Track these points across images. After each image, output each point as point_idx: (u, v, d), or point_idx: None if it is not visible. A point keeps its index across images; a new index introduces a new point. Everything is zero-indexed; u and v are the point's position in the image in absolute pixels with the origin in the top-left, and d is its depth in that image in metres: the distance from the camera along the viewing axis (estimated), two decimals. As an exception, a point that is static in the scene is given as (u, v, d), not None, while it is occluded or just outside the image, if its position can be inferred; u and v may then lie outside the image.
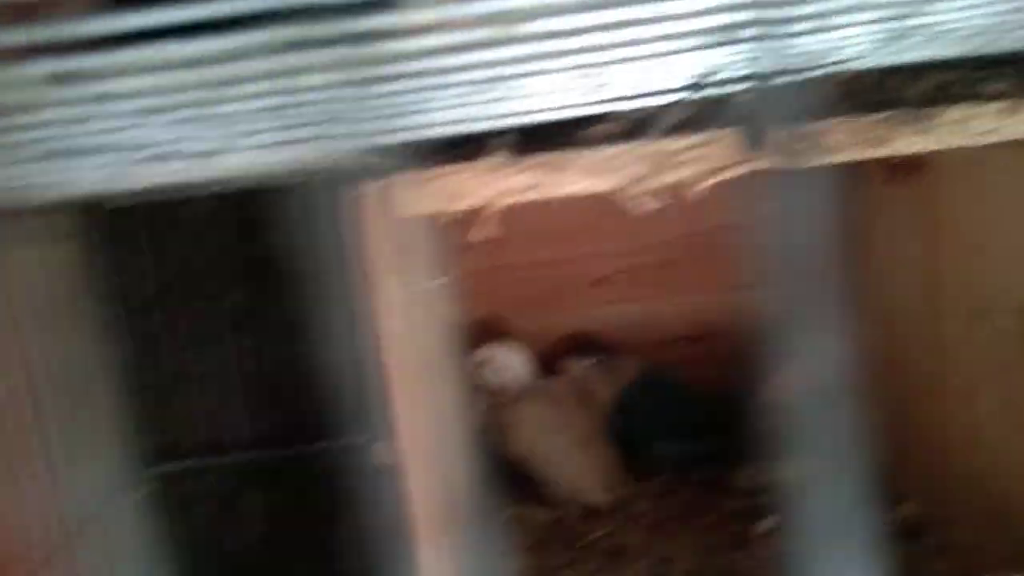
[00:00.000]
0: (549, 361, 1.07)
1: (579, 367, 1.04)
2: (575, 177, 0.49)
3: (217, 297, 1.13)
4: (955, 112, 0.50)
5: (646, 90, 0.46)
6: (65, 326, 1.01)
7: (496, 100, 0.42)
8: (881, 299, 0.83)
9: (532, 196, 0.49)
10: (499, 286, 1.10)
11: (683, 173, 0.49)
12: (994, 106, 0.50)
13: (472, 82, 0.36)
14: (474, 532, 0.84)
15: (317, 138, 0.44)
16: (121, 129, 0.34)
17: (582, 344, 1.07)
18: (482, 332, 1.07)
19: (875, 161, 0.76)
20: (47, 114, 0.29)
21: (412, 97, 0.36)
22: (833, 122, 0.50)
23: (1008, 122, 0.50)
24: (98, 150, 0.39)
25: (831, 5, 0.32)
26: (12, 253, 0.92)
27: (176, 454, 1.16)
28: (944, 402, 0.72)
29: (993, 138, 0.50)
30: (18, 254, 0.93)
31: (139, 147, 0.39)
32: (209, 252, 1.12)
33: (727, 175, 0.49)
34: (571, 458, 0.95)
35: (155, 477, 1.17)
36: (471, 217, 0.51)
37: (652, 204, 0.49)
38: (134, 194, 0.98)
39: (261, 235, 1.13)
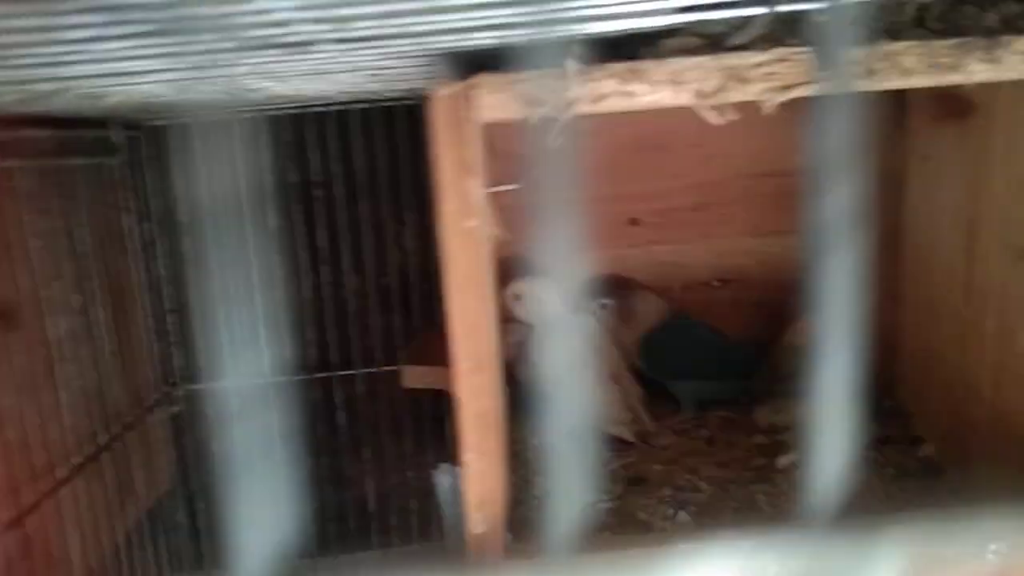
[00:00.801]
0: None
1: (609, 306, 1.06)
2: (651, 87, 0.50)
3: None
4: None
5: (727, 5, 0.47)
6: (108, 242, 1.03)
7: (574, 6, 0.43)
8: (920, 240, 0.84)
9: (608, 106, 0.50)
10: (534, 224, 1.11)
11: (756, 88, 0.50)
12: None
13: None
14: (505, 453, 0.87)
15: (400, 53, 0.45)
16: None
17: (613, 283, 1.09)
18: (515, 269, 1.08)
19: (928, 97, 0.76)
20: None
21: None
22: (904, 46, 0.51)
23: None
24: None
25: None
26: (64, 163, 0.93)
27: (209, 374, 1.18)
28: (976, 344, 0.74)
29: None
30: (70, 164, 0.94)
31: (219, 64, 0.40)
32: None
33: (798, 93, 0.50)
34: (598, 392, 0.97)
35: (191, 394, 1.19)
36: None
37: (728, 117, 0.50)
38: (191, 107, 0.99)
39: (300, 162, 1.14)
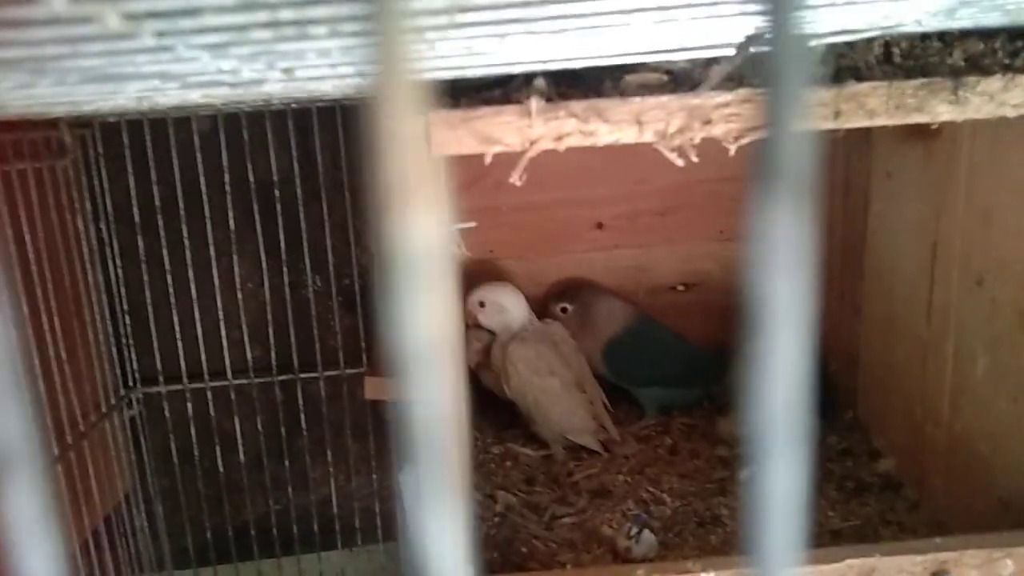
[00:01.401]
0: (544, 305, 1.07)
1: (573, 312, 1.05)
2: (612, 126, 0.49)
3: (211, 220, 1.12)
4: (991, 84, 0.50)
5: (691, 45, 0.46)
6: (59, 244, 1.00)
7: (537, 43, 0.41)
8: (882, 256, 0.84)
9: (568, 143, 0.49)
10: (496, 229, 1.09)
11: (720, 129, 0.49)
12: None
13: (513, 21, 0.36)
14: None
15: (365, 73, 0.43)
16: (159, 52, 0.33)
17: (576, 288, 1.08)
18: (478, 274, 1.07)
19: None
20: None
21: (452, 34, 0.36)
22: (869, 86, 0.50)
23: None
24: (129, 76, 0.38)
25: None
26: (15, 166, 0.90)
27: (166, 376, 1.16)
28: (936, 365, 0.75)
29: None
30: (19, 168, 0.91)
31: (176, 74, 0.38)
32: (205, 173, 1.10)
33: (761, 134, 0.49)
34: (562, 400, 0.96)
35: (149, 397, 1.17)
36: (502, 160, 0.51)
37: (691, 158, 0.49)
38: (138, 112, 0.96)
39: (258, 159, 1.11)
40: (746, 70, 0.50)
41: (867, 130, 0.84)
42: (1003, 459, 0.66)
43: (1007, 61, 0.53)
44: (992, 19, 0.46)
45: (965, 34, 0.53)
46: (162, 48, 0.29)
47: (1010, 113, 0.52)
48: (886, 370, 0.85)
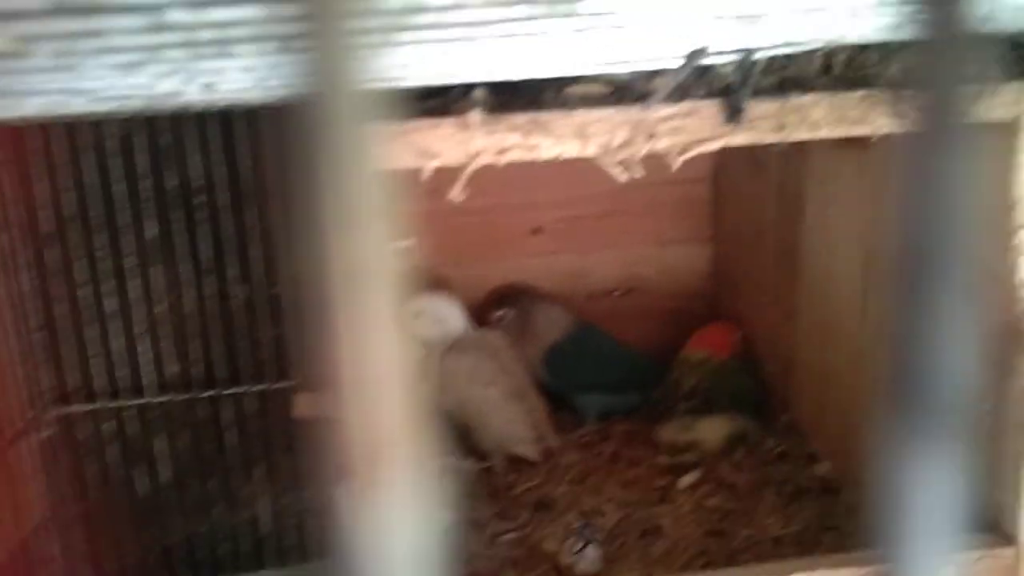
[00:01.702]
0: (482, 312, 1.05)
1: (511, 318, 1.03)
2: (555, 140, 0.47)
3: (129, 230, 1.06)
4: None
5: (638, 57, 0.44)
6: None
7: (478, 54, 0.39)
8: (816, 261, 0.85)
9: (510, 158, 0.47)
10: (431, 235, 1.07)
11: (664, 143, 0.48)
12: (967, 90, 0.51)
13: (453, 36, 0.34)
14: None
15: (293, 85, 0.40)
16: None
17: (515, 295, 1.06)
18: (413, 282, 1.04)
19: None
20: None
21: (398, 53, 0.33)
22: (813, 99, 0.49)
23: (980, 107, 0.51)
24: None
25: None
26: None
27: (81, 395, 1.10)
28: (872, 371, 0.75)
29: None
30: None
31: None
32: (121, 179, 1.04)
33: (706, 147, 0.48)
34: (501, 409, 0.95)
35: (63, 418, 1.10)
36: (441, 175, 0.49)
37: (636, 173, 0.47)
38: (51, 117, 0.89)
39: (179, 165, 1.06)
40: (688, 82, 0.49)
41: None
42: (939, 464, 0.67)
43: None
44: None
45: (902, 46, 0.53)
46: (63, 68, 0.26)
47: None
48: (822, 374, 0.86)
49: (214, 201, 1.07)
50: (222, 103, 0.53)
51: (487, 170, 1.03)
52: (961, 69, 0.17)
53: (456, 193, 0.46)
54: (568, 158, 1.03)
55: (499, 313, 1.04)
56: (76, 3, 0.17)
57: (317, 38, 0.15)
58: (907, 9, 0.29)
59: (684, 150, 0.48)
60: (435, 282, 1.07)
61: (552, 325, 1.04)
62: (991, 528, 0.60)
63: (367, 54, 0.32)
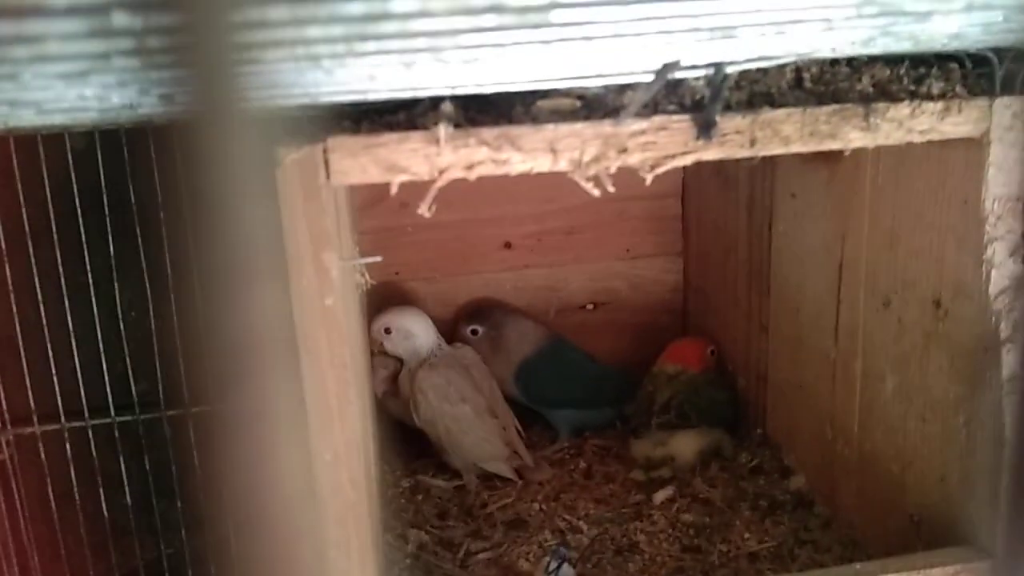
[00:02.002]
0: (453, 327, 1.04)
1: (483, 334, 1.02)
2: (525, 155, 0.46)
3: (82, 248, 1.03)
4: (900, 110, 0.50)
5: (608, 71, 0.43)
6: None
7: (447, 66, 0.38)
8: (787, 275, 0.85)
9: (480, 172, 0.46)
10: (401, 249, 1.05)
11: (635, 157, 0.47)
12: (935, 105, 0.51)
13: (418, 46, 0.33)
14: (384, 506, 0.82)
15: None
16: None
17: (488, 310, 1.05)
18: (383, 297, 1.03)
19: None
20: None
21: (356, 57, 0.32)
22: (784, 113, 0.49)
23: (947, 122, 0.51)
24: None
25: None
26: None
27: (40, 415, 1.06)
28: (845, 384, 0.75)
29: (933, 136, 0.51)
30: None
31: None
32: (81, 193, 1.02)
33: (678, 162, 0.48)
34: (474, 426, 0.93)
35: (24, 438, 1.07)
36: (410, 190, 0.48)
37: (607, 188, 0.46)
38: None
39: (140, 177, 1.04)
40: (659, 96, 0.48)
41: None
42: (913, 478, 0.66)
43: (912, 87, 0.53)
44: (902, 47, 0.46)
45: (872, 60, 0.53)
46: (4, 77, 0.24)
47: (917, 139, 0.52)
48: (795, 388, 0.85)
49: (178, 215, 1.04)
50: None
51: (457, 185, 1.02)
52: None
53: (424, 209, 0.45)
54: (538, 173, 1.03)
55: (471, 328, 1.02)
56: (5, 4, 0.16)
57: (200, 53, 0.14)
58: (879, 23, 0.28)
59: (656, 165, 0.47)
60: (405, 297, 1.06)
61: (524, 341, 1.03)
62: (967, 542, 0.60)
63: (258, 71, 0.30)
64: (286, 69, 0.27)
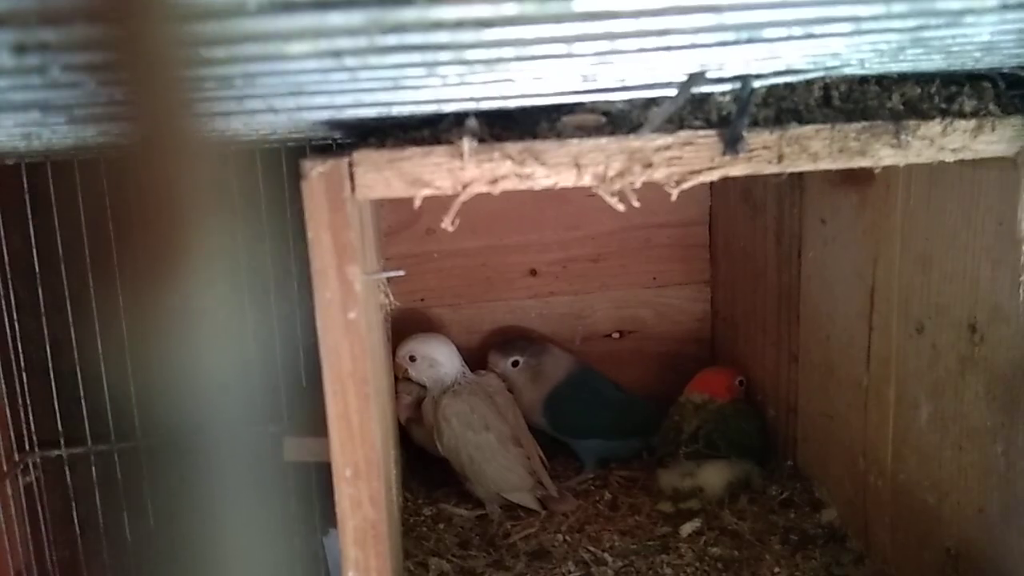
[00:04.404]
0: (477, 355, 1.03)
1: (495, 364, 1.01)
2: (550, 169, 0.46)
3: (112, 271, 1.04)
4: (931, 128, 0.49)
5: (632, 84, 0.43)
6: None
7: (470, 75, 0.38)
8: (817, 302, 0.83)
9: (504, 187, 0.46)
10: (426, 275, 1.06)
11: (661, 172, 0.47)
12: (967, 123, 0.50)
13: (440, 40, 0.33)
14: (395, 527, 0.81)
15: (276, 108, 0.39)
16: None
17: (502, 340, 1.04)
18: (408, 323, 1.03)
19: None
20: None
21: (383, 72, 0.32)
22: (813, 129, 0.48)
23: (980, 140, 0.50)
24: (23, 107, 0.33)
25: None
26: None
27: (67, 438, 1.07)
28: (878, 413, 0.73)
29: (965, 155, 0.50)
30: None
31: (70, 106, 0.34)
32: (114, 219, 1.03)
33: (704, 178, 0.47)
34: (497, 455, 0.92)
35: (49, 462, 1.07)
36: (433, 206, 0.48)
37: (631, 201, 0.46)
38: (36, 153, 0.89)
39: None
40: (685, 111, 0.48)
41: (798, 176, 0.84)
42: (950, 509, 0.64)
43: (943, 105, 0.52)
44: (934, 62, 0.45)
45: (903, 78, 0.53)
46: (28, 69, 0.24)
47: (949, 158, 0.51)
48: (826, 418, 0.83)
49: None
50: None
51: (483, 211, 1.03)
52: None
53: (447, 223, 0.45)
54: (563, 200, 1.03)
55: (512, 360, 1.01)
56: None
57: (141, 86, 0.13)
58: (908, 24, 0.27)
59: (681, 180, 0.47)
60: (430, 324, 1.06)
61: (557, 371, 1.02)
62: (1006, 572, 0.57)
63: (350, 71, 0.30)
64: (310, 67, 0.27)
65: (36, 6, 0.18)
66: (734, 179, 0.97)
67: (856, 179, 0.73)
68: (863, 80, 0.53)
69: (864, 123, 0.49)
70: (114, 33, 0.13)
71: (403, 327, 1.00)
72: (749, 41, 0.30)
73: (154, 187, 0.14)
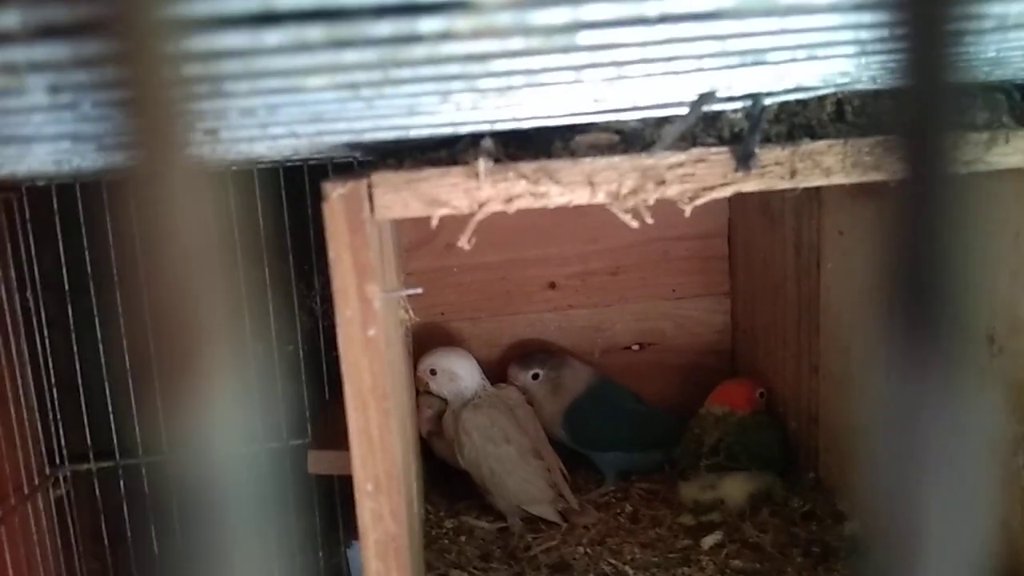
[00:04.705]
0: (497, 368, 1.04)
1: (516, 377, 1.01)
2: (564, 188, 0.47)
3: (136, 289, 1.06)
4: (944, 141, 0.49)
5: (643, 104, 0.44)
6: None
7: (483, 101, 0.39)
8: (837, 313, 0.83)
9: (519, 205, 0.47)
10: (446, 290, 1.07)
11: (674, 189, 0.47)
12: (980, 135, 0.50)
13: (451, 72, 0.34)
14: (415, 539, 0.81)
15: (297, 134, 0.41)
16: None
17: (523, 354, 1.05)
18: (429, 337, 1.04)
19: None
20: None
21: (398, 101, 0.33)
22: (826, 144, 0.49)
23: (994, 152, 0.50)
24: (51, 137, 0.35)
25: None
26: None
27: (96, 452, 1.09)
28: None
29: (979, 167, 0.50)
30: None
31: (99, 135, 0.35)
32: (131, 237, 1.05)
33: (717, 194, 0.48)
34: (518, 467, 0.93)
35: (79, 475, 1.09)
36: (452, 220, 0.49)
37: (645, 218, 0.47)
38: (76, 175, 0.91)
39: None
40: (698, 128, 0.48)
41: (816, 188, 0.84)
42: (972, 522, 0.64)
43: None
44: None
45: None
46: (61, 106, 0.26)
47: (961, 170, 0.51)
48: (848, 430, 0.83)
49: (232, 258, 1.07)
50: (233, 156, 0.54)
51: (501, 226, 1.03)
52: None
53: (464, 241, 0.46)
54: (582, 214, 1.04)
55: (532, 373, 1.01)
56: None
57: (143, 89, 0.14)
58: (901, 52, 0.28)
59: (694, 197, 0.48)
60: (450, 338, 1.07)
61: (577, 383, 1.02)
62: (1029, 589, 0.57)
63: (366, 101, 0.31)
64: (328, 98, 0.28)
65: (70, 55, 0.19)
66: (751, 192, 0.99)
67: (872, 190, 0.73)
68: (877, 94, 0.53)
69: (878, 137, 0.49)
70: (129, 72, 0.14)
71: (424, 341, 1.01)
72: (755, 64, 0.31)
73: (155, 218, 0.15)
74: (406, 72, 0.24)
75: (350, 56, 0.21)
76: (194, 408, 0.16)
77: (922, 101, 0.16)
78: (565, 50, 0.24)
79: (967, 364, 0.15)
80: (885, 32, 0.29)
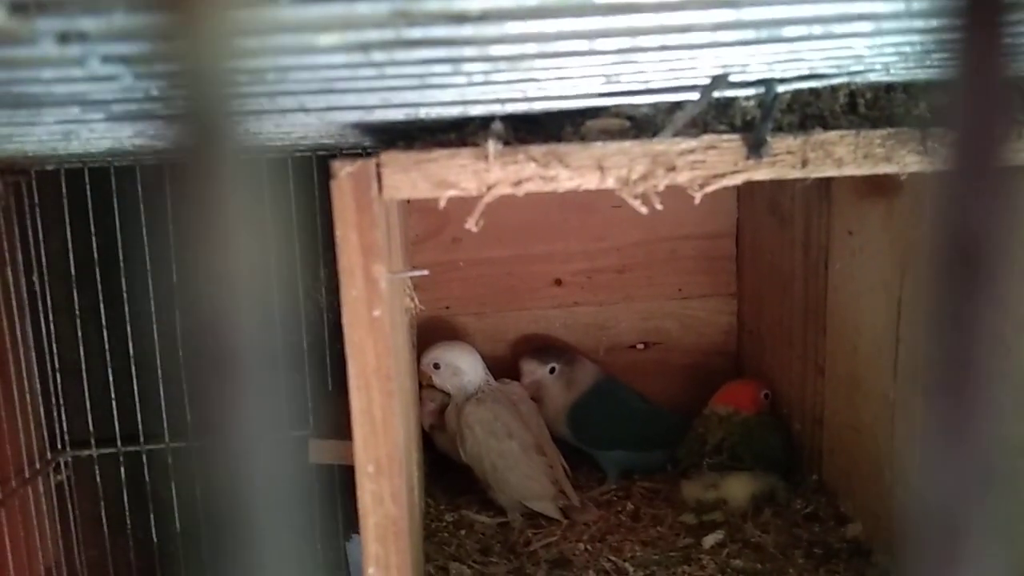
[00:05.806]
0: (501, 363, 1.04)
1: (532, 371, 1.01)
2: (573, 172, 0.46)
3: (152, 274, 1.06)
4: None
5: (655, 87, 0.44)
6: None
7: (498, 84, 0.39)
8: (844, 314, 0.83)
9: (527, 189, 0.46)
10: (452, 284, 1.07)
11: (684, 176, 0.47)
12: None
13: (476, 62, 0.33)
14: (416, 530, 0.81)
15: (307, 107, 0.40)
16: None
17: (536, 347, 1.05)
18: (433, 331, 1.04)
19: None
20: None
21: (409, 69, 0.33)
22: (837, 135, 0.48)
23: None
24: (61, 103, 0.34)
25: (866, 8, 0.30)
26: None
27: (98, 439, 1.09)
28: (904, 426, 0.73)
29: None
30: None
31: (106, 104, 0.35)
32: (148, 225, 1.06)
33: (728, 181, 0.48)
34: (520, 463, 0.92)
35: (76, 461, 1.09)
36: (459, 215, 0.48)
37: (655, 205, 0.46)
38: (81, 157, 0.91)
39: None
40: (708, 115, 0.48)
41: (826, 187, 0.84)
42: (977, 524, 0.63)
43: (971, 114, 0.52)
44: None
45: (930, 85, 0.52)
46: (69, 60, 0.25)
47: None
48: (852, 431, 0.83)
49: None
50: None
51: (508, 221, 1.03)
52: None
53: (472, 223, 0.46)
54: (589, 211, 1.03)
55: (550, 367, 1.01)
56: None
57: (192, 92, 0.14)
58: (931, 24, 0.28)
59: (705, 184, 0.47)
60: (455, 332, 1.07)
61: (585, 381, 1.02)
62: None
63: (377, 67, 0.31)
64: (339, 62, 0.28)
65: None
66: (761, 190, 0.98)
67: (883, 189, 0.73)
68: (889, 88, 0.53)
69: (890, 129, 0.49)
70: (167, 21, 0.13)
71: (428, 335, 1.01)
72: (769, 40, 0.30)
73: (193, 196, 0.14)
74: (417, 32, 0.24)
75: (363, 8, 0.21)
76: (232, 400, 0.15)
77: (975, 94, 0.16)
78: (581, 11, 0.24)
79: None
80: (901, 7, 0.28)
